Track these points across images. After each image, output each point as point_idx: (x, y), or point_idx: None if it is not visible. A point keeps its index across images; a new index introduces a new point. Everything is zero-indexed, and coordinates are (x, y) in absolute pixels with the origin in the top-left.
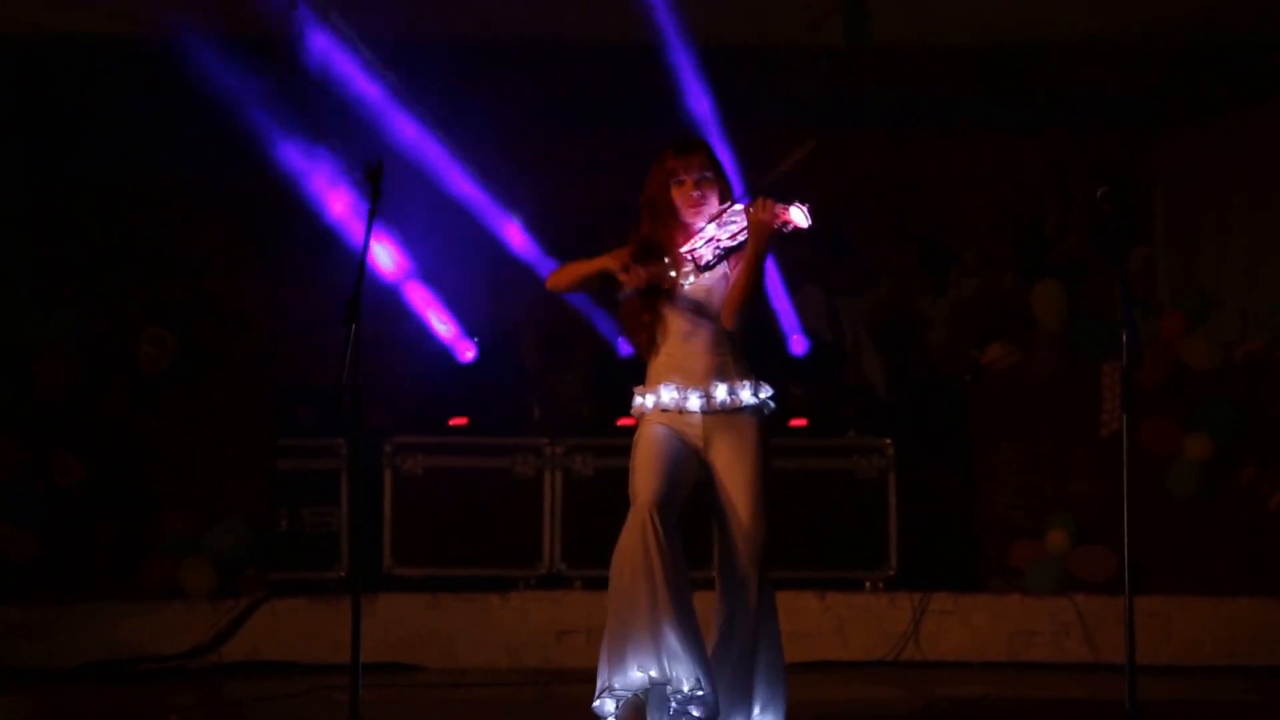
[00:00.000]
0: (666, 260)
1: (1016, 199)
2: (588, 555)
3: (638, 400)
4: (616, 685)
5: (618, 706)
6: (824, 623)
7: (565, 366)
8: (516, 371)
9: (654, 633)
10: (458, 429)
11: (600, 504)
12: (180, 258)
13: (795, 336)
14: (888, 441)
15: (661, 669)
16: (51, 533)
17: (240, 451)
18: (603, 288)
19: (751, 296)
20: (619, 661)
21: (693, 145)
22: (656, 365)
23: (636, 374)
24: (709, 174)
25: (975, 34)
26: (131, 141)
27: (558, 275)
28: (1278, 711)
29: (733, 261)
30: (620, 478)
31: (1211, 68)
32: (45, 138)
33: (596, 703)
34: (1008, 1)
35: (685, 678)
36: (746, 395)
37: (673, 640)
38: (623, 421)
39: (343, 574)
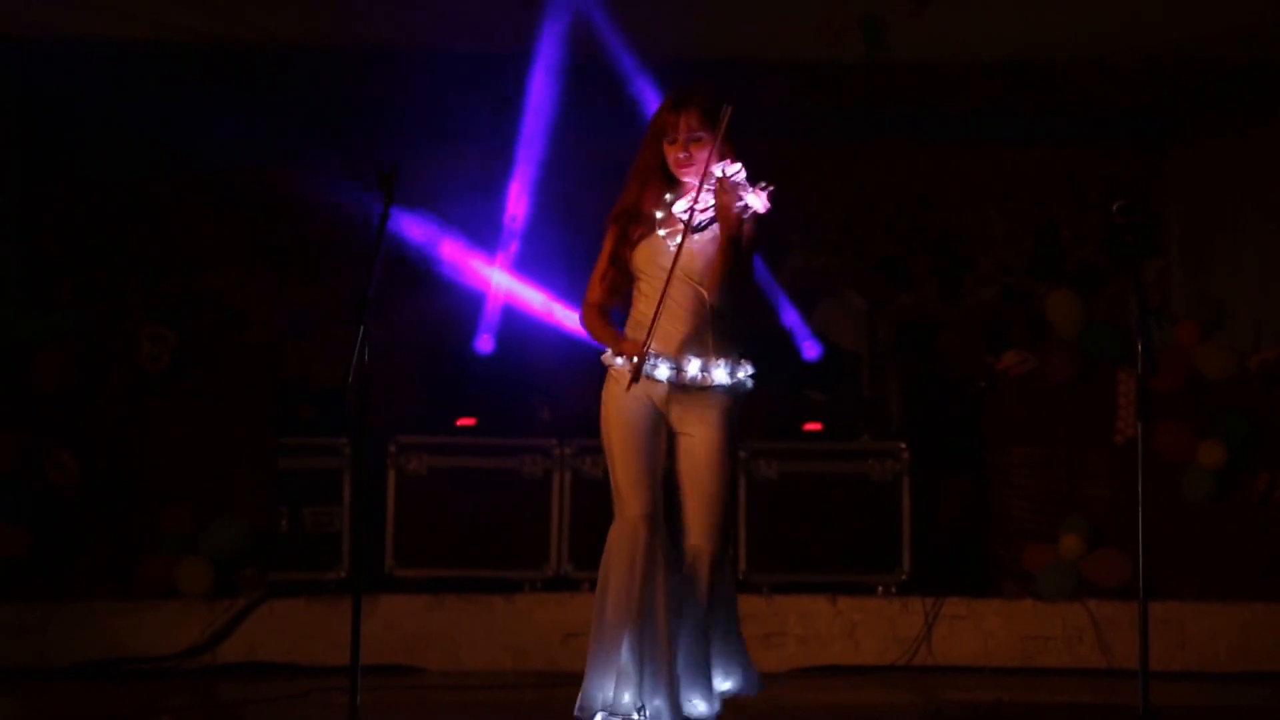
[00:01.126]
0: (660, 216)
1: (1033, 210)
2: (596, 558)
3: (608, 352)
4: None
5: None
6: (836, 627)
7: (576, 368)
8: (526, 372)
9: (612, 652)
10: (465, 429)
11: (610, 506)
12: (182, 254)
13: (808, 343)
14: (902, 445)
15: (609, 692)
16: (46, 530)
17: (240, 450)
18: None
19: (731, 272)
20: (589, 681)
21: (688, 100)
22: (635, 320)
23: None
24: (701, 133)
25: (993, 50)
26: (133, 140)
27: (585, 325)
28: None
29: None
30: None
31: (1226, 85)
32: (47, 136)
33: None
34: (1024, 19)
35: (632, 705)
36: (720, 374)
37: (626, 661)
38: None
39: (343, 574)
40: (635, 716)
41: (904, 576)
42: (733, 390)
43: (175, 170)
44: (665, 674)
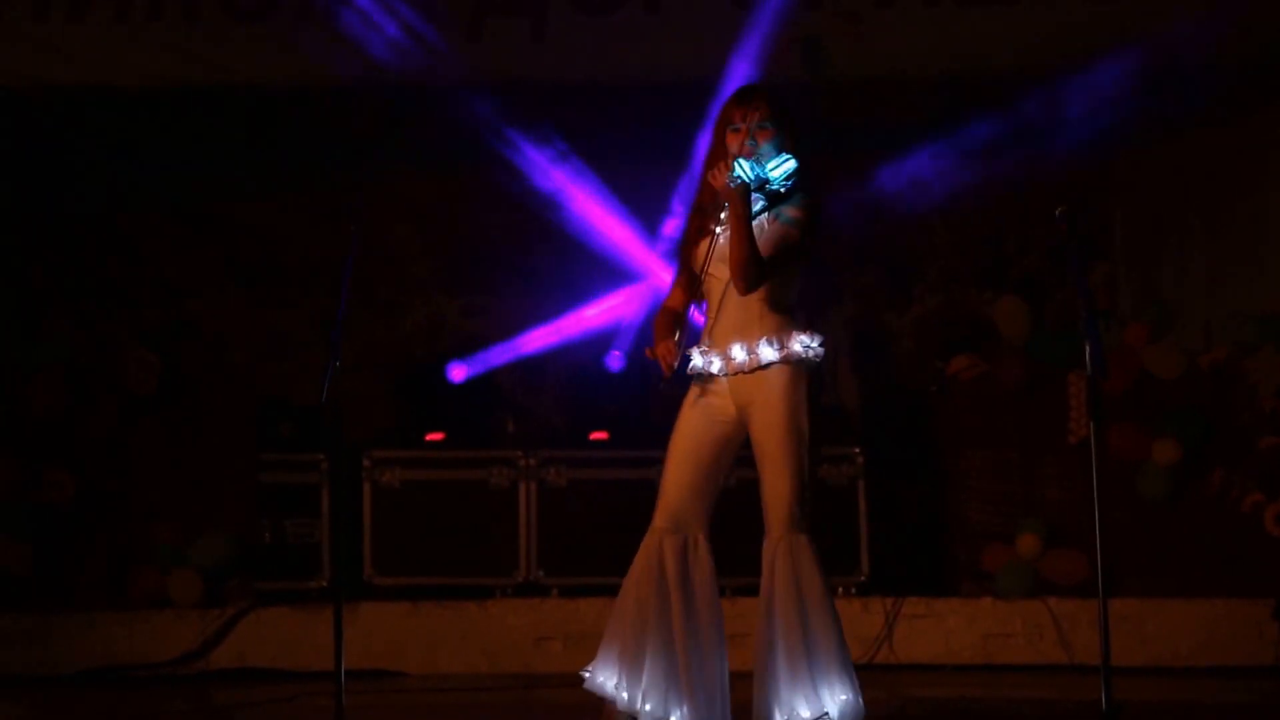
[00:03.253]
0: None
1: (976, 217)
2: (564, 563)
3: (691, 359)
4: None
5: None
6: None
7: (538, 382)
8: (491, 387)
9: (636, 658)
10: (435, 443)
11: (575, 514)
12: (164, 284)
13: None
14: (857, 450)
15: (634, 695)
16: (45, 546)
17: (224, 466)
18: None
19: (745, 259)
20: (603, 668)
21: (753, 92)
22: (705, 326)
23: (607, 389)
24: (768, 124)
25: (932, 65)
26: (116, 178)
27: (654, 328)
28: (1252, 711)
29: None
30: (594, 489)
31: (1167, 91)
32: (35, 177)
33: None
34: (962, 33)
35: (656, 712)
36: (768, 352)
37: (649, 672)
38: (595, 435)
39: (324, 583)
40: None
41: (863, 578)
42: (788, 363)
43: (153, 206)
44: (689, 684)
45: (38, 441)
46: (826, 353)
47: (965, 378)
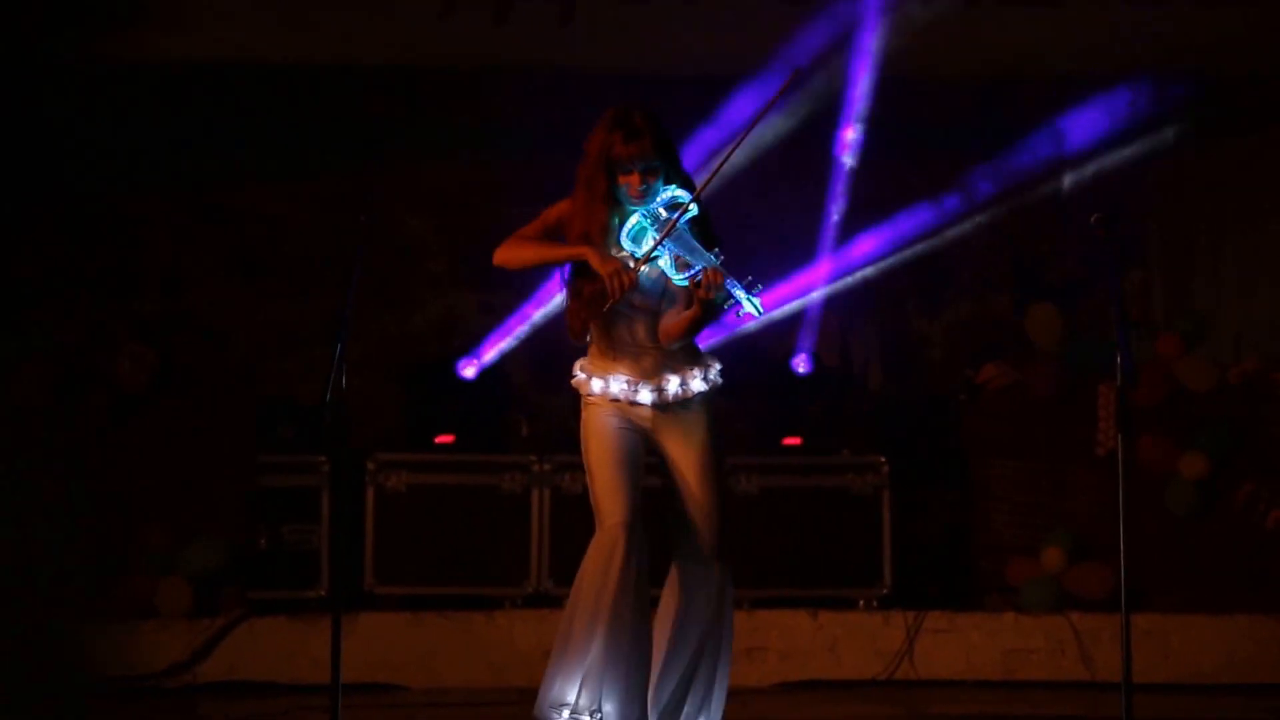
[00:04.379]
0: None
1: (1010, 222)
2: (575, 574)
3: (581, 376)
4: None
5: None
6: (817, 641)
7: (554, 383)
8: (504, 388)
9: (577, 661)
10: (443, 446)
11: (589, 522)
12: (162, 273)
13: (800, 357)
14: (882, 459)
15: (568, 695)
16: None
17: (220, 468)
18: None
19: (680, 336)
20: (546, 688)
21: (640, 131)
22: (602, 351)
23: None
24: (657, 162)
25: (970, 67)
26: (110, 160)
27: (513, 251)
28: None
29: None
30: None
31: (1205, 99)
32: (26, 157)
33: None
34: (1003, 36)
35: (587, 708)
36: (698, 384)
37: (590, 667)
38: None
39: (323, 593)
40: (587, 718)
41: (885, 590)
42: (710, 395)
43: (152, 189)
44: (626, 679)
45: (18, 438)
46: (861, 357)
47: (994, 386)
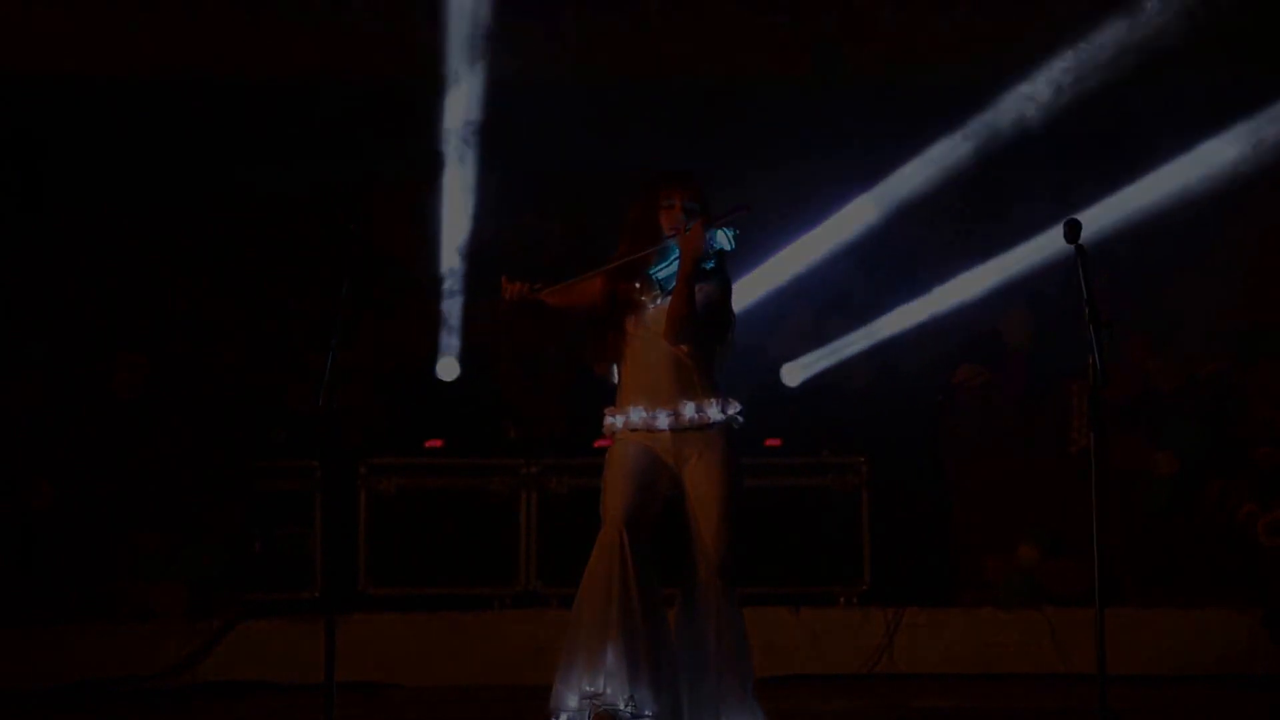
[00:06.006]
0: (638, 285)
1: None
2: (563, 574)
3: (608, 420)
4: (564, 707)
5: None
6: (799, 637)
7: (540, 386)
8: (491, 392)
9: (595, 651)
10: (433, 450)
11: (576, 523)
12: (154, 283)
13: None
14: (861, 459)
15: (596, 684)
16: (24, 555)
17: (214, 473)
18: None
19: (686, 315)
20: (564, 681)
21: (686, 176)
22: (624, 387)
23: (612, 393)
24: (696, 205)
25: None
26: (101, 172)
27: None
28: None
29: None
30: (596, 497)
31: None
32: (20, 170)
33: None
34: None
35: (619, 695)
36: (714, 412)
37: (611, 658)
38: (599, 443)
39: (316, 594)
40: (622, 706)
41: (865, 587)
42: (727, 427)
43: (145, 199)
44: (653, 671)
45: (17, 446)
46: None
47: (969, 387)
